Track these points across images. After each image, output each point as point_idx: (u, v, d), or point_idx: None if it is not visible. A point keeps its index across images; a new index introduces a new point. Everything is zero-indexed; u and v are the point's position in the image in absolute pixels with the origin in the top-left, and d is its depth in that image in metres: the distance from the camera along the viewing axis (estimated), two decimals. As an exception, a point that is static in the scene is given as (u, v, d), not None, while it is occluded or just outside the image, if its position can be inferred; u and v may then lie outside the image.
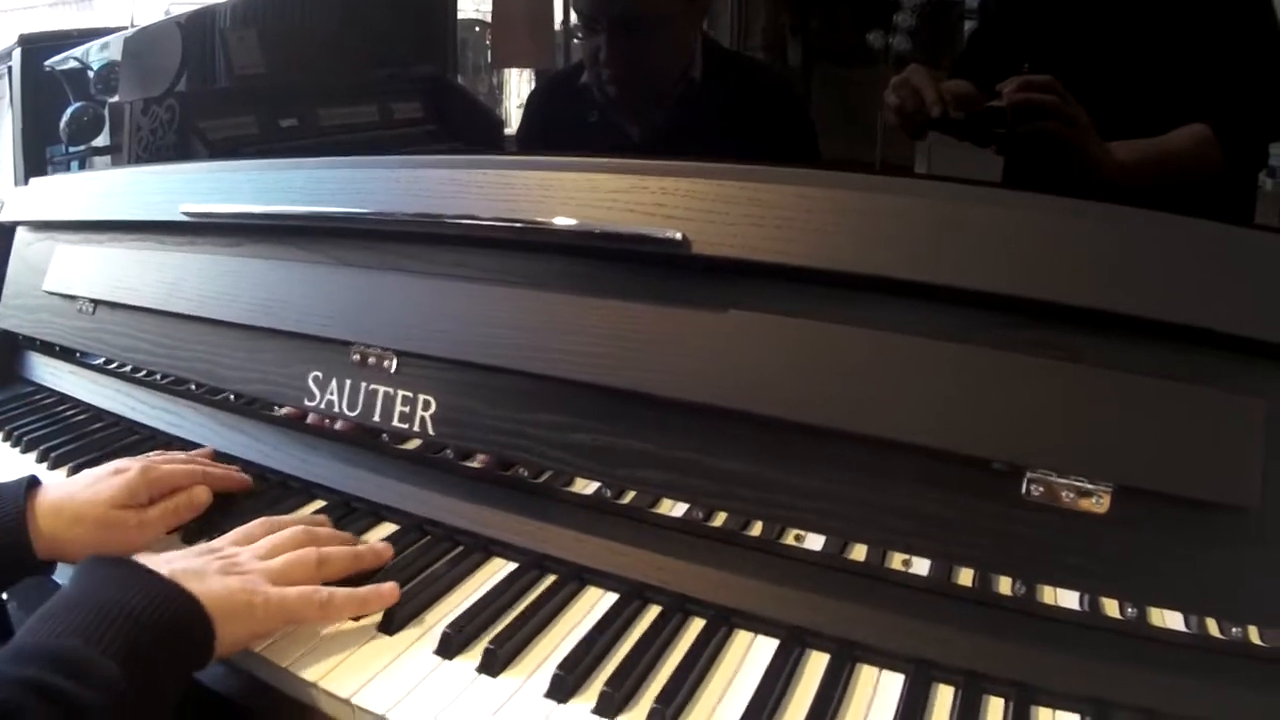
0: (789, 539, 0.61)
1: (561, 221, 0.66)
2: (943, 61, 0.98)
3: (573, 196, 0.67)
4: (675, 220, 0.63)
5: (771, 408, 0.58)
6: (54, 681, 0.44)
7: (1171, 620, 0.54)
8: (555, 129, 1.06)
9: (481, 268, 0.71)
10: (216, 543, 0.64)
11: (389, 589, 0.60)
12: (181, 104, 1.19)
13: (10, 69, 1.37)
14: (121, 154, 1.27)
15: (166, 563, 0.56)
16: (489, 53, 1.27)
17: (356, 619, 0.60)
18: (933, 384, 0.55)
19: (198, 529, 0.71)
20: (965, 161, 0.85)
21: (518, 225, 0.67)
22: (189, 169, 0.96)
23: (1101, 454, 0.52)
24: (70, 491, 0.67)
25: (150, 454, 0.76)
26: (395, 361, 0.72)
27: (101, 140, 1.30)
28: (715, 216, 0.62)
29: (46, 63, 1.28)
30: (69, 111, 1.27)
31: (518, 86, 1.30)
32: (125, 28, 1.33)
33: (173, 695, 0.51)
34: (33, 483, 0.66)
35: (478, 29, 1.27)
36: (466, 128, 1.25)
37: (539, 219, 0.67)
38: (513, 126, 1.21)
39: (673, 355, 0.62)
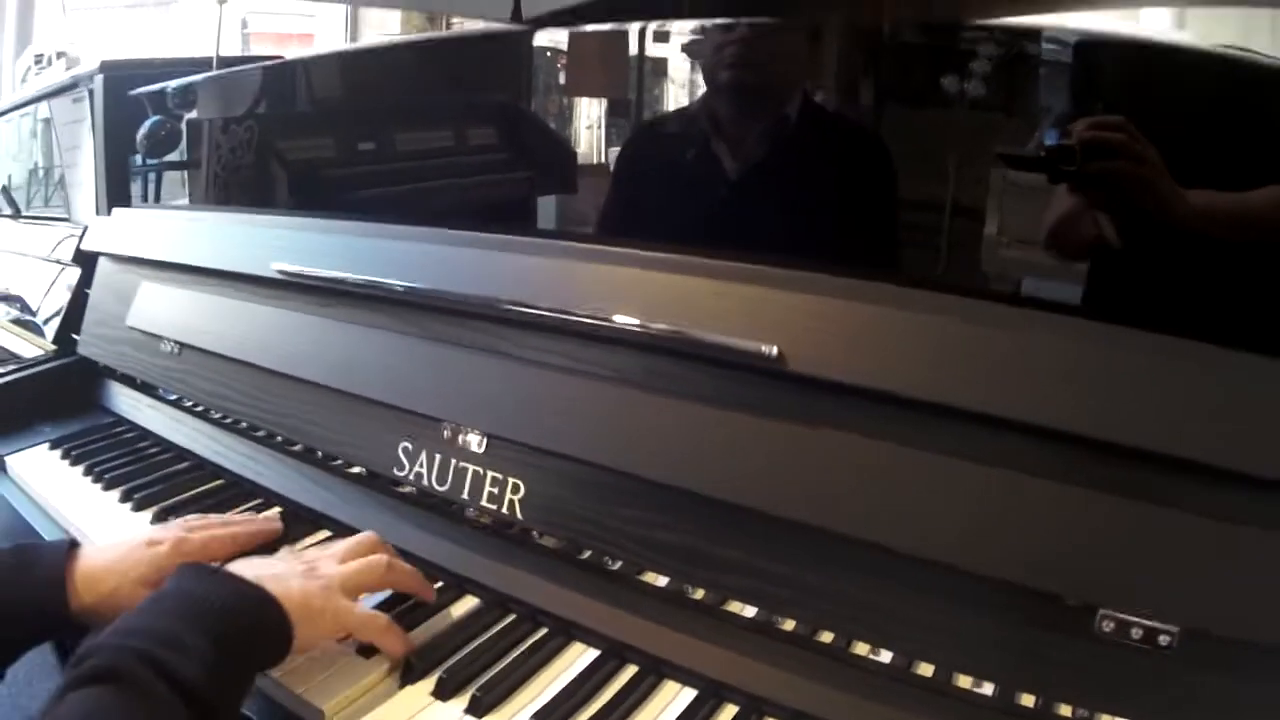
0: (859, 649, 0.64)
1: (660, 325, 0.68)
2: (1015, 108, 0.99)
3: (668, 298, 0.70)
4: (769, 332, 0.65)
5: (854, 529, 0.61)
6: (156, 651, 0.51)
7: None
8: (652, 169, 1.06)
9: (573, 357, 0.74)
10: (303, 551, 0.72)
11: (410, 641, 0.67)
12: (260, 124, 1.22)
13: (92, 93, 1.41)
14: (199, 170, 1.30)
15: (253, 567, 0.65)
16: (561, 78, 1.30)
17: (445, 699, 0.64)
18: (1021, 519, 0.57)
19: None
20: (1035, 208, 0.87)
21: (615, 325, 0.70)
22: (280, 223, 0.99)
23: (1173, 595, 0.54)
24: (105, 563, 0.69)
25: (188, 518, 0.78)
26: (485, 441, 0.76)
27: (177, 155, 1.33)
28: (811, 333, 0.64)
29: (132, 92, 1.32)
30: (146, 125, 1.29)
31: (587, 108, 1.33)
32: (210, 58, 1.36)
33: (252, 682, 0.58)
34: (72, 544, 0.69)
35: (549, 54, 1.31)
36: (539, 156, 1.28)
37: (637, 320, 0.69)
38: (583, 145, 1.24)
39: (764, 467, 0.64)
